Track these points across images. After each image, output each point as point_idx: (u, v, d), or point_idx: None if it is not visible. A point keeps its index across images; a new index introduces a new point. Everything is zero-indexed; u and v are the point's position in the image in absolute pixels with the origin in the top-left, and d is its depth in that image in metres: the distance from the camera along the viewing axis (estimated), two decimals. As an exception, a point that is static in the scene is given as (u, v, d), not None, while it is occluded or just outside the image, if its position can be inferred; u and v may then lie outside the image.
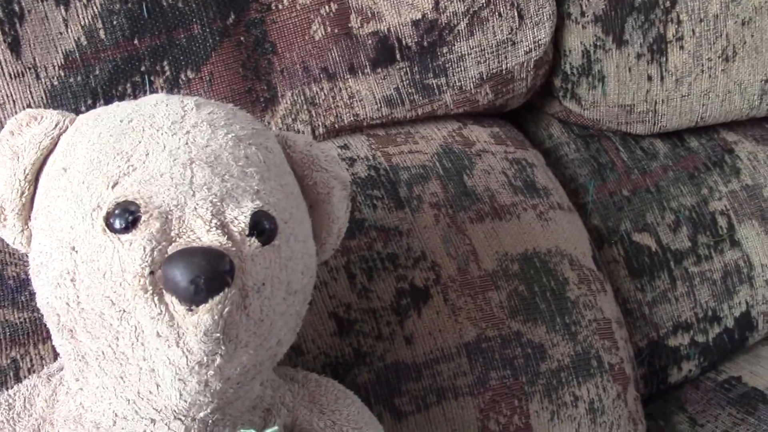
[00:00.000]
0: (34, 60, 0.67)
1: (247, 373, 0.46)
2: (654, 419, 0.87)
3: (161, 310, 0.42)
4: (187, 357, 0.42)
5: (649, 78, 0.88)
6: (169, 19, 0.70)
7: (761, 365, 0.92)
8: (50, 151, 0.49)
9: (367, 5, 0.76)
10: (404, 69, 0.78)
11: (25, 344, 0.63)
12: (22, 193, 0.49)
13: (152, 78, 0.70)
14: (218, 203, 0.45)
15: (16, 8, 0.66)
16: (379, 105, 0.78)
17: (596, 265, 0.81)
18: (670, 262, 0.88)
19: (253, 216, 0.45)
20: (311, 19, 0.75)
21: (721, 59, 0.89)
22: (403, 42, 0.77)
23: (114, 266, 0.43)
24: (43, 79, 0.67)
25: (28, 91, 0.67)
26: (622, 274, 0.87)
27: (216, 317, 0.42)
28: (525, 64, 0.82)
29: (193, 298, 0.42)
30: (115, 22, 0.69)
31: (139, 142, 0.46)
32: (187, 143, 0.46)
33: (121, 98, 0.69)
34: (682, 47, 0.88)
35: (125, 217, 0.43)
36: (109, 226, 0.44)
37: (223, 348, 0.43)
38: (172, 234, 0.44)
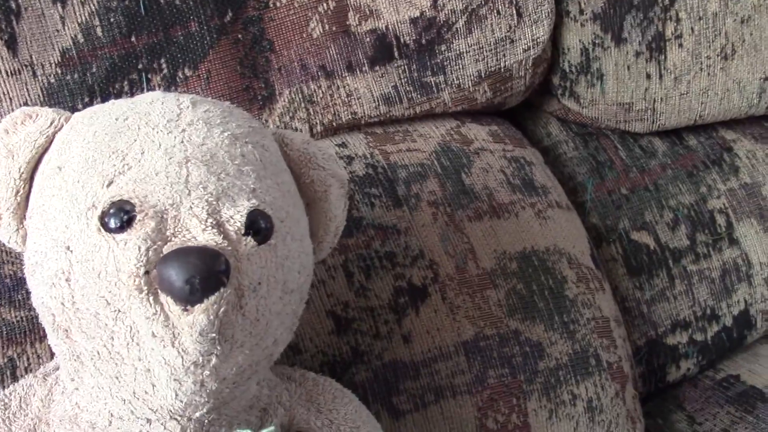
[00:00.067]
0: (31, 57, 0.67)
1: (243, 372, 0.46)
2: (652, 418, 0.87)
3: (156, 310, 0.42)
4: (182, 357, 0.42)
5: (648, 76, 0.88)
6: (166, 17, 0.70)
7: (760, 363, 0.92)
8: (45, 150, 0.49)
9: (365, 3, 0.76)
10: (402, 67, 0.78)
11: (21, 343, 0.63)
12: (17, 191, 0.48)
13: (149, 76, 0.70)
14: (214, 202, 0.44)
15: (13, 5, 0.66)
16: (377, 103, 0.78)
17: (595, 263, 0.81)
18: (669, 261, 0.88)
19: (249, 215, 0.45)
20: (309, 17, 0.74)
21: (720, 57, 0.89)
22: (402, 40, 0.77)
23: (109, 266, 0.43)
24: (39, 77, 0.67)
25: (25, 89, 0.67)
26: (620, 272, 0.87)
27: (211, 317, 0.42)
28: (523, 62, 0.82)
29: (188, 298, 0.41)
30: (112, 20, 0.69)
31: (135, 141, 0.46)
32: (182, 142, 0.46)
33: (119, 96, 0.69)
34: (680, 45, 0.87)
35: (120, 216, 0.43)
36: (104, 225, 0.43)
37: (218, 348, 0.43)
38: (168, 233, 0.43)
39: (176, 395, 0.44)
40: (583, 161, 0.91)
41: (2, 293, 0.64)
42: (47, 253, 0.45)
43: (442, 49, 0.78)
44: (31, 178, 0.49)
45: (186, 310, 0.42)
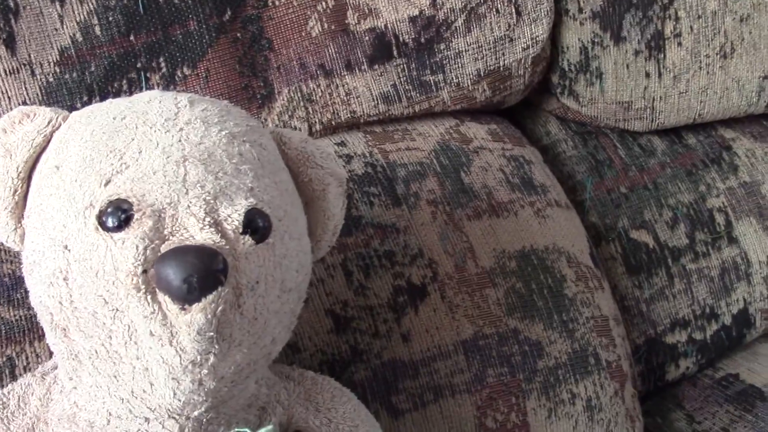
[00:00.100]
0: (29, 56, 0.67)
1: (242, 371, 0.46)
2: (651, 416, 0.87)
3: (154, 309, 0.42)
4: (180, 356, 0.42)
5: (647, 75, 0.88)
6: (165, 15, 0.70)
7: (759, 362, 0.92)
8: (43, 149, 0.49)
9: (364, 1, 0.76)
10: (401, 66, 0.78)
11: (20, 342, 0.63)
12: (15, 191, 0.48)
13: (148, 75, 0.70)
14: (212, 201, 0.44)
15: (11, 4, 0.66)
16: (376, 102, 0.78)
17: (594, 262, 0.81)
18: (668, 259, 0.88)
19: (246, 214, 0.45)
20: (308, 16, 0.74)
21: (719, 56, 0.89)
22: (401, 38, 0.77)
23: (107, 265, 0.43)
24: (38, 76, 0.67)
25: (23, 88, 0.67)
26: (619, 271, 0.87)
27: (209, 316, 0.42)
28: (522, 61, 0.82)
29: (186, 297, 0.41)
30: (110, 18, 0.69)
31: (132, 140, 0.46)
32: (180, 140, 0.46)
33: (117, 95, 0.69)
34: (680, 44, 0.87)
35: (118, 215, 0.43)
36: (102, 224, 0.43)
37: (216, 347, 0.43)
38: (165, 232, 0.43)
39: (174, 394, 0.44)
40: (583, 160, 0.90)
41: (1, 292, 0.64)
42: (45, 252, 0.45)
43: (441, 47, 0.78)
44: (29, 177, 0.49)
45: (184, 309, 0.42)
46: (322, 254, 0.55)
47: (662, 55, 0.87)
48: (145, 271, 0.42)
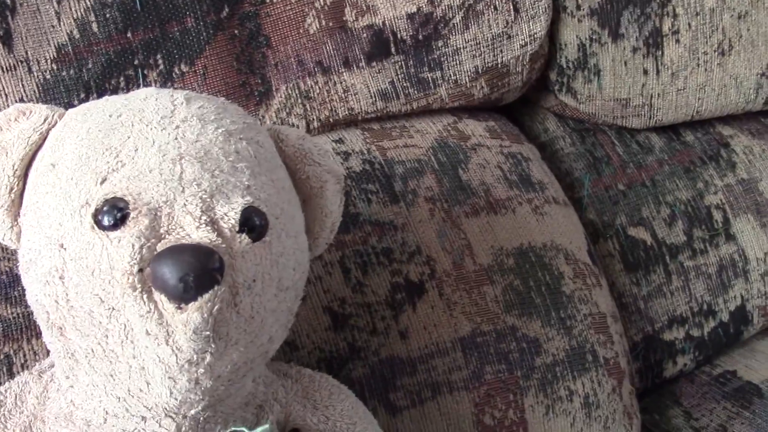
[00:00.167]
0: (26, 53, 0.67)
1: (238, 370, 0.45)
2: (649, 413, 0.87)
3: (150, 308, 0.42)
4: (176, 355, 0.42)
5: (645, 72, 0.88)
6: (162, 12, 0.70)
7: (756, 359, 0.92)
8: (39, 147, 0.49)
9: (361, -2, 0.76)
10: (399, 63, 0.78)
11: (18, 340, 0.63)
12: (11, 189, 0.48)
13: (146, 71, 0.70)
14: (208, 199, 0.44)
15: (8, 1, 0.66)
16: (374, 99, 0.78)
17: (591, 259, 0.81)
18: (666, 257, 0.88)
19: (243, 212, 0.44)
20: (306, 13, 0.74)
21: (717, 53, 0.89)
22: (398, 35, 0.77)
23: (102, 264, 0.43)
24: (35, 73, 0.67)
25: (20, 85, 0.67)
26: (617, 268, 0.87)
27: (205, 315, 0.42)
28: (520, 58, 0.82)
29: (182, 296, 0.41)
30: (108, 15, 0.68)
31: (128, 138, 0.46)
32: (176, 138, 0.46)
33: (115, 92, 0.69)
34: (678, 41, 0.87)
35: (114, 213, 0.43)
36: (98, 223, 0.43)
37: (213, 346, 0.43)
38: (161, 231, 0.43)
39: (171, 393, 0.44)
40: (580, 157, 0.90)
41: (-2, 290, 0.64)
42: (41, 251, 0.45)
43: (439, 44, 0.78)
44: (25, 175, 0.49)
45: (180, 308, 0.42)
46: (320, 252, 0.55)
47: (660, 52, 0.87)
48: (141, 270, 0.42)
